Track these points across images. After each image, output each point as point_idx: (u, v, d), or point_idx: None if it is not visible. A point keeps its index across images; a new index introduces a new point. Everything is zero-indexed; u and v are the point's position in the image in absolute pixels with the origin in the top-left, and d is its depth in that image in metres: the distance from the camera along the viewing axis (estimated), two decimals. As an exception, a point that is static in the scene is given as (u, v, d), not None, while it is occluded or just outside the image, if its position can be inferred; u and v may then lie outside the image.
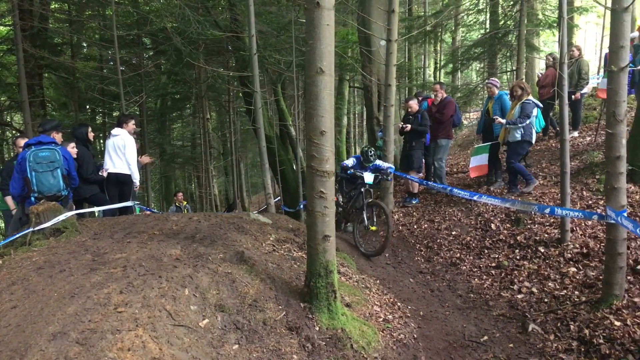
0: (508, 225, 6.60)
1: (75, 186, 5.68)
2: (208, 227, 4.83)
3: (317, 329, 3.48)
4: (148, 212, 9.49)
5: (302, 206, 11.14)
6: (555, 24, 11.80)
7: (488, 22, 15.61)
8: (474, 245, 6.51)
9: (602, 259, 4.98)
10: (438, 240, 6.93)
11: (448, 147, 8.69)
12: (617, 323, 3.99)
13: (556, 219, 6.07)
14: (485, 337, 4.38)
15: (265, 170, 7.92)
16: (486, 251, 6.26)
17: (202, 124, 18.33)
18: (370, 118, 10.74)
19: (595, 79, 11.03)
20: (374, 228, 6.63)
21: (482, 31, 16.39)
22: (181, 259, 3.81)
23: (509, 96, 7.79)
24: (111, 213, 6.35)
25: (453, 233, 6.98)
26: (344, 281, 4.67)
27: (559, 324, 4.38)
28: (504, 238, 6.35)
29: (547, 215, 6.25)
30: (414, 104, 8.37)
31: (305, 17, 3.39)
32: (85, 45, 16.09)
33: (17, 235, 4.53)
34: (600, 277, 4.68)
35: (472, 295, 5.42)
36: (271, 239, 4.98)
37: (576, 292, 4.79)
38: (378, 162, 7.22)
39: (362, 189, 6.78)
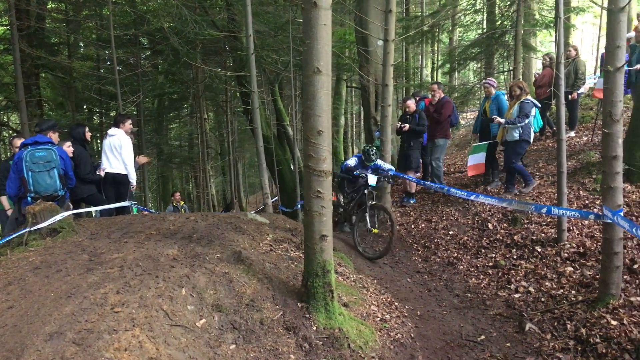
0: (505, 224, 6.62)
1: (72, 186, 5.67)
2: (205, 227, 4.82)
3: (315, 328, 3.48)
4: (146, 213, 9.47)
5: (299, 206, 11.14)
6: (552, 24, 11.84)
7: (485, 22, 15.63)
8: (471, 244, 6.52)
9: (598, 258, 5.00)
10: (435, 240, 6.94)
11: (445, 147, 8.71)
12: (614, 322, 4.01)
13: (553, 219, 6.09)
14: (483, 337, 4.38)
15: (263, 170, 7.91)
16: (483, 251, 6.27)
17: (200, 123, 18.31)
18: (368, 118, 10.74)
19: (591, 79, 11.07)
20: (376, 231, 6.63)
21: (479, 31, 16.43)
22: (178, 259, 3.80)
23: (506, 96, 7.81)
24: (108, 213, 6.34)
25: (450, 233, 6.99)
26: (341, 281, 4.67)
27: (555, 323, 4.39)
28: (501, 238, 6.36)
29: (544, 215, 6.26)
30: (411, 104, 8.38)
31: (303, 17, 3.38)
32: (82, 45, 16.05)
33: (14, 236, 4.51)
34: (597, 276, 4.69)
35: (469, 294, 5.42)
36: (268, 238, 4.98)
37: (573, 292, 4.80)
38: (379, 161, 7.22)
39: (365, 191, 6.76)
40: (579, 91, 9.15)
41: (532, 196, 6.97)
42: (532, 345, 4.17)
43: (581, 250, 5.40)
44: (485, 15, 15.23)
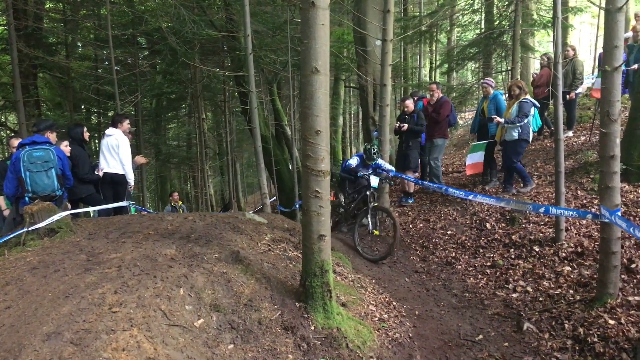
0: (503, 224, 6.62)
1: (70, 186, 5.66)
2: (203, 227, 4.81)
3: (313, 328, 3.48)
4: (144, 213, 9.45)
5: (297, 206, 11.13)
6: (549, 24, 11.85)
7: (483, 22, 15.64)
8: (469, 244, 6.53)
9: (596, 257, 5.01)
10: (433, 240, 6.95)
11: (444, 147, 8.72)
12: (611, 322, 4.01)
13: (551, 218, 6.10)
14: (481, 336, 4.39)
15: (261, 170, 7.91)
16: (481, 250, 6.28)
17: (198, 123, 18.29)
18: (366, 118, 10.74)
19: (589, 79, 11.07)
20: (377, 232, 6.63)
21: (477, 31, 16.43)
22: (176, 259, 3.80)
23: (504, 96, 7.81)
24: (106, 213, 6.33)
25: (448, 232, 7.00)
26: (339, 280, 4.67)
27: (553, 323, 4.40)
28: (499, 237, 6.37)
29: (541, 215, 6.27)
30: (410, 104, 8.38)
31: (301, 17, 3.38)
32: (80, 45, 16.00)
33: (11, 236, 4.50)
34: (595, 276, 4.70)
35: (467, 294, 5.43)
36: (267, 238, 4.97)
37: (571, 291, 4.81)
38: (380, 160, 7.21)
39: (367, 192, 6.74)
40: (577, 91, 9.16)
41: (530, 196, 6.98)
42: (530, 344, 4.18)
43: (579, 249, 5.41)
44: (483, 15, 15.24)
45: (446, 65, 16.24)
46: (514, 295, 5.13)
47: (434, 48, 19.45)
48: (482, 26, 15.72)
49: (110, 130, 6.71)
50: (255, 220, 5.57)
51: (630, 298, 4.23)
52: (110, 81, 10.46)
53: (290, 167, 14.16)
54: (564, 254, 5.45)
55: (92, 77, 13.76)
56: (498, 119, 7.30)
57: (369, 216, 6.57)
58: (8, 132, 14.89)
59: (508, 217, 6.65)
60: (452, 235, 6.87)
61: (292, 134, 13.23)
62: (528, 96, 7.16)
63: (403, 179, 8.25)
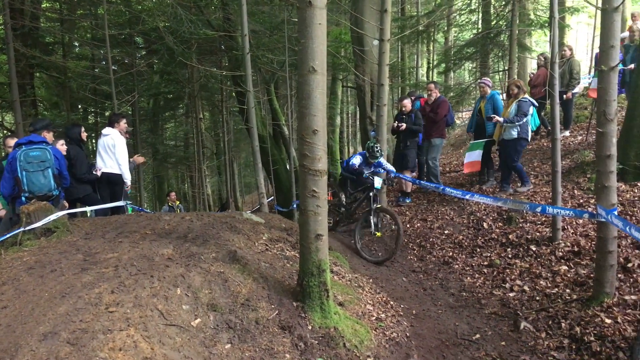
0: (500, 224, 6.64)
1: (67, 186, 5.64)
2: (200, 227, 4.81)
3: (310, 327, 3.48)
4: (141, 212, 9.44)
5: (295, 205, 11.13)
6: (546, 24, 11.86)
7: (480, 22, 15.69)
8: (466, 244, 6.54)
9: (593, 257, 5.02)
10: (431, 239, 6.96)
11: (441, 147, 8.73)
12: (608, 320, 4.03)
13: (548, 218, 6.11)
14: (478, 335, 4.40)
15: (258, 170, 7.91)
16: (478, 250, 6.29)
17: (195, 123, 18.28)
18: (364, 117, 10.75)
19: (586, 79, 11.11)
20: (379, 234, 6.62)
21: (475, 31, 16.48)
22: (173, 259, 3.79)
23: (501, 95, 7.82)
24: (103, 213, 6.32)
25: (446, 232, 7.01)
26: (336, 280, 4.67)
27: (550, 322, 4.41)
28: (496, 237, 6.39)
29: (538, 214, 6.29)
30: (407, 103, 8.39)
31: (298, 16, 3.39)
32: (77, 44, 15.97)
33: (8, 235, 4.48)
34: (591, 275, 4.72)
35: (464, 293, 5.44)
36: (264, 238, 4.97)
37: (567, 290, 4.82)
38: (382, 159, 7.20)
39: (370, 193, 6.71)
40: (574, 91, 9.18)
41: (527, 195, 7.00)
42: (527, 343, 4.19)
43: (576, 249, 5.43)
44: (480, 15, 15.29)
45: (443, 65, 16.28)
46: (511, 294, 5.14)
47: (431, 48, 19.50)
48: (480, 26, 15.76)
49: (106, 130, 6.69)
50: (253, 220, 5.57)
51: (626, 297, 4.25)
52: (108, 81, 10.43)
53: (287, 167, 14.16)
54: (560, 253, 5.46)
55: (89, 76, 13.71)
56: (497, 118, 7.30)
57: (371, 217, 6.56)
58: (5, 131, 14.83)
59: (505, 217, 6.67)
60: (450, 235, 6.88)
61: (290, 133, 13.23)
62: (526, 95, 7.18)
63: (401, 178, 8.26)
